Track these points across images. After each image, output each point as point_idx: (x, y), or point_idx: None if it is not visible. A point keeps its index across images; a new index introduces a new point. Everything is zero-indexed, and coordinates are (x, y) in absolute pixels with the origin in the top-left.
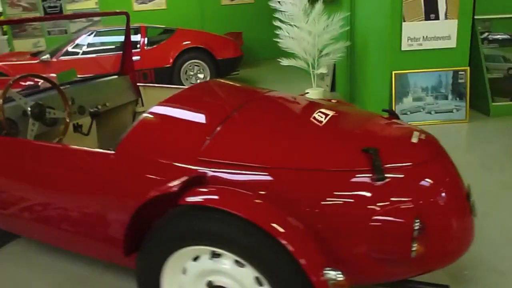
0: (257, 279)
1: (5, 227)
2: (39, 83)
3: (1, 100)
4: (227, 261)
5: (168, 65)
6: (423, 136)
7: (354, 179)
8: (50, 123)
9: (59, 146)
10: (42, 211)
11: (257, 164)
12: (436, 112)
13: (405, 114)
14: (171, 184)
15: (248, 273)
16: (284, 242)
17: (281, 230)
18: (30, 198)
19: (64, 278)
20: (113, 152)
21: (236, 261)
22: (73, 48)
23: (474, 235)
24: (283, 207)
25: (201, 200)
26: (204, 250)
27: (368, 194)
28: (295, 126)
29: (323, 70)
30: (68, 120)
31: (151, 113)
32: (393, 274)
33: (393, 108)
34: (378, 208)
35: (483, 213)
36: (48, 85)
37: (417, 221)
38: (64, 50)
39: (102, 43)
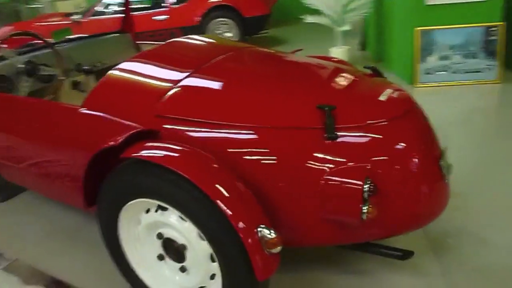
0: (199, 234)
1: (9, 179)
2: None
3: None
4: (173, 215)
5: (195, 24)
6: (395, 94)
7: (305, 137)
8: (46, 80)
9: (34, 100)
10: (28, 162)
11: (210, 120)
12: (464, 72)
13: (429, 73)
14: (116, 138)
15: (191, 228)
16: (218, 202)
17: (217, 189)
18: (18, 150)
19: (54, 227)
20: (77, 109)
21: (181, 216)
22: (102, 8)
23: (447, 201)
24: (230, 165)
25: (139, 154)
26: (152, 203)
27: (319, 153)
28: (261, 82)
29: (347, 27)
30: (61, 78)
31: (118, 69)
32: (348, 237)
33: (417, 68)
34: (328, 168)
35: (482, 181)
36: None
37: (368, 182)
38: (93, 10)
39: (131, 3)
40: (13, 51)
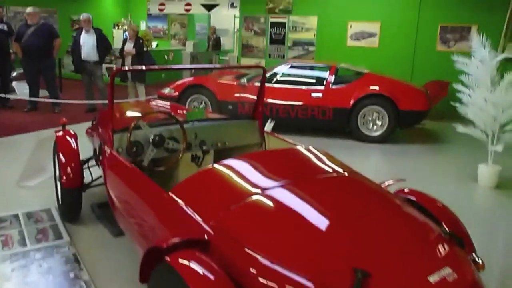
0: None
1: (119, 222)
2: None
3: (130, 127)
4: None
5: (347, 107)
6: (451, 278)
7: None
8: (169, 151)
9: (143, 176)
10: (129, 214)
11: (251, 250)
12: None
13: None
14: (170, 240)
15: None
16: None
17: None
18: (126, 203)
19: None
20: (167, 192)
21: None
22: (269, 76)
23: None
24: None
25: (173, 261)
26: None
27: None
28: (320, 220)
29: (500, 147)
30: (180, 155)
31: (218, 164)
32: None
33: None
34: None
35: None
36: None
37: None
38: (256, 78)
39: (294, 76)
40: (147, 123)
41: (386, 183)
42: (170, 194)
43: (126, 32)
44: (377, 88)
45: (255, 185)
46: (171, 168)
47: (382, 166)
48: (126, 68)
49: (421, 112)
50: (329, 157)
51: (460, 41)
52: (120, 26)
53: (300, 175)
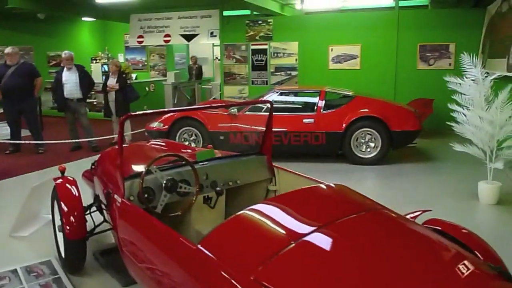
0: None
1: (131, 272)
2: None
3: (142, 173)
4: None
5: (340, 131)
6: None
7: None
8: (183, 194)
9: (165, 227)
10: (144, 267)
11: None
12: None
13: None
14: None
15: None
16: None
17: None
18: (143, 253)
19: None
20: (195, 245)
21: None
22: (258, 104)
23: None
24: None
25: None
26: None
27: None
28: (358, 266)
29: (499, 165)
30: (194, 198)
31: (247, 211)
32: None
33: None
34: None
35: None
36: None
37: None
38: (250, 105)
39: (285, 102)
40: (158, 166)
41: (411, 215)
42: (200, 247)
43: (105, 66)
44: (367, 110)
45: (290, 232)
46: (183, 211)
47: (380, 189)
48: (133, 113)
49: (413, 132)
50: (352, 193)
51: (440, 59)
52: (98, 60)
53: (330, 216)
